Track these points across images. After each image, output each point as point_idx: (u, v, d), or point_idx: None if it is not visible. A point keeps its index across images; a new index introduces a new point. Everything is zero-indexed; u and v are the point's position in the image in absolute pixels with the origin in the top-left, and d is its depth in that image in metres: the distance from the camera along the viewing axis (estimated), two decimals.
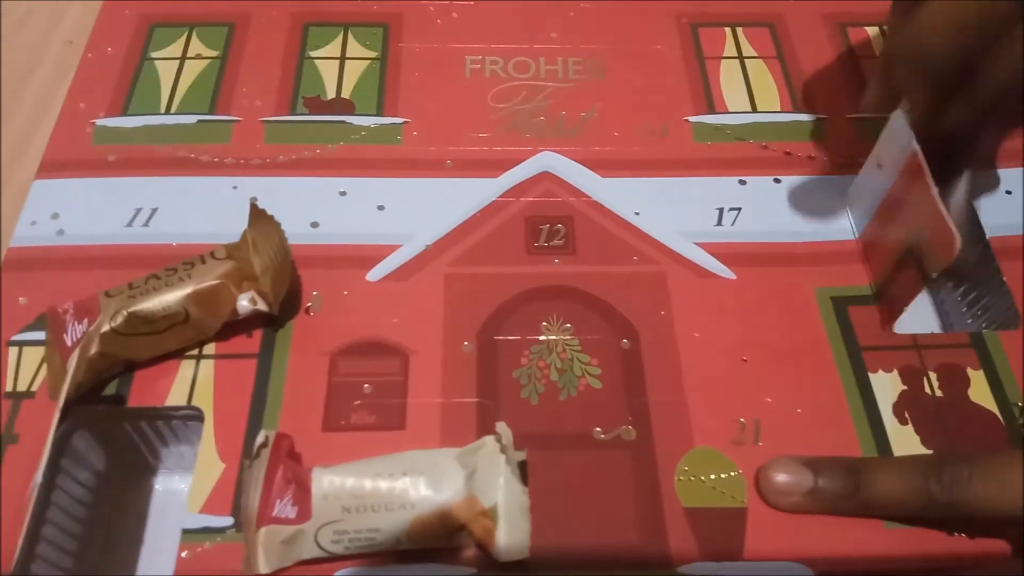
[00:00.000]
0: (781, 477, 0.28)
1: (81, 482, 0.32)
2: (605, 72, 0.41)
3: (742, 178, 0.37)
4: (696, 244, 0.35)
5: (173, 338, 0.31)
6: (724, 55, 0.42)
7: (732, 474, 0.29)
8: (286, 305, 0.32)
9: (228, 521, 0.28)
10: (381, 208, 0.36)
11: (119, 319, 0.29)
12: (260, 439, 0.27)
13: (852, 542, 0.28)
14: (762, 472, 0.29)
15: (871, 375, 0.32)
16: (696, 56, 0.42)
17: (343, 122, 0.39)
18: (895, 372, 0.32)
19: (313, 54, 0.42)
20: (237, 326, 0.32)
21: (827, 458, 0.29)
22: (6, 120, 0.40)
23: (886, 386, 0.32)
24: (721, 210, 0.36)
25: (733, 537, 0.28)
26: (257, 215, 0.32)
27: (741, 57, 0.42)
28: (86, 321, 0.30)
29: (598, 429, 0.30)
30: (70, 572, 0.30)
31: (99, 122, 0.39)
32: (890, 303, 0.32)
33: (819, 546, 0.28)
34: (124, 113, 0.39)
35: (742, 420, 0.30)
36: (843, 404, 0.31)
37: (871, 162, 0.34)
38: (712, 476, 0.29)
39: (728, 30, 0.43)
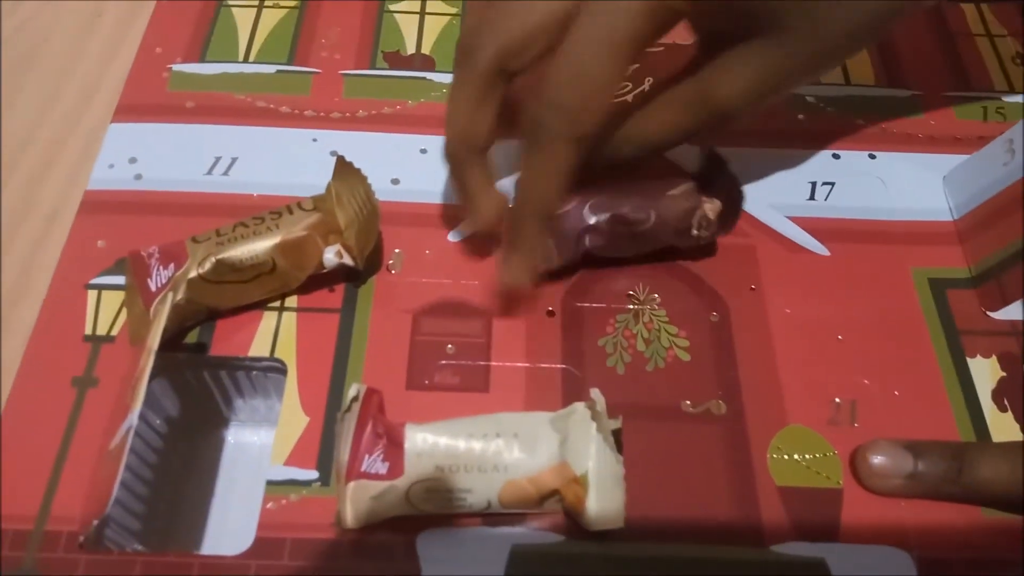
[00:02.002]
0: (880, 459, 0.27)
1: (154, 428, 0.32)
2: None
3: (836, 152, 0.36)
4: (788, 218, 0.34)
5: (258, 288, 0.30)
6: None
7: (828, 454, 0.28)
8: (368, 261, 0.32)
9: (313, 475, 0.27)
10: None
11: (207, 265, 0.29)
12: (352, 392, 0.26)
13: (950, 528, 0.27)
14: (860, 454, 0.28)
15: (969, 360, 0.31)
16: None
17: (424, 78, 0.38)
18: (993, 358, 0.31)
19: (392, 8, 0.41)
20: (319, 280, 0.31)
21: (928, 441, 0.28)
22: (75, 65, 0.39)
23: (984, 372, 0.31)
24: (814, 184, 0.35)
25: (828, 518, 0.27)
26: (342, 168, 0.31)
27: None
28: (172, 266, 0.30)
29: (687, 402, 0.30)
30: (141, 517, 0.30)
31: (176, 67, 0.38)
32: (1000, 288, 0.31)
33: (917, 531, 0.27)
34: (202, 60, 0.38)
35: (837, 400, 0.30)
36: (941, 388, 0.30)
37: (998, 145, 0.32)
38: (807, 456, 0.28)
39: None
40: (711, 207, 0.31)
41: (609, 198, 0.31)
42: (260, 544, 0.26)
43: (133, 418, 0.25)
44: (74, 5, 0.42)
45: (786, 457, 0.28)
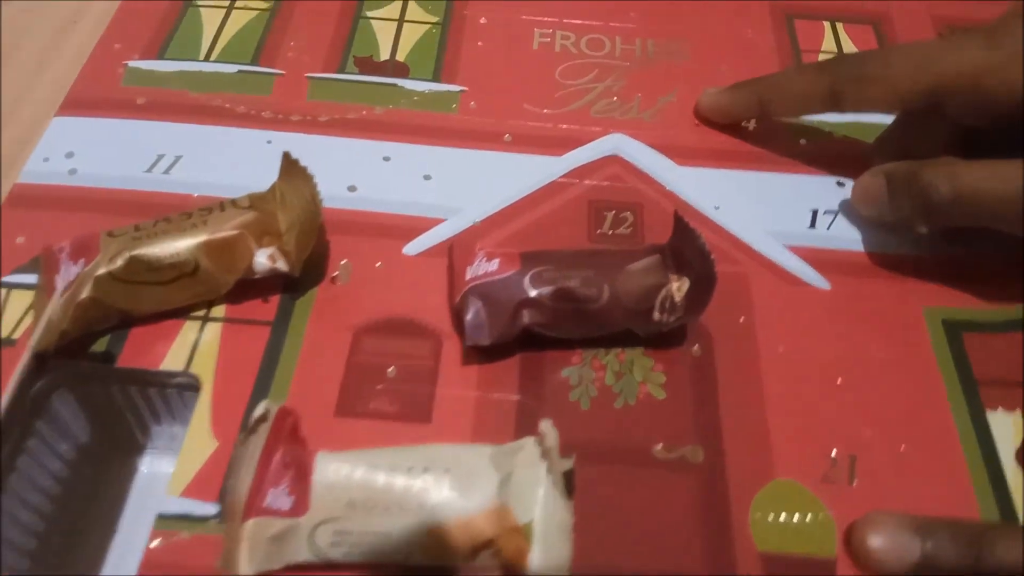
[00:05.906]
0: (881, 543, 0.23)
1: (60, 454, 0.28)
2: (690, 56, 0.37)
3: (840, 179, 0.33)
4: (786, 247, 0.30)
5: (179, 292, 0.27)
6: (822, 49, 0.38)
7: (820, 516, 0.24)
8: (310, 271, 0.28)
9: (213, 509, 0.24)
10: (427, 178, 0.32)
11: (119, 262, 0.26)
12: (259, 411, 0.22)
13: None
14: (857, 532, 0.23)
15: (988, 413, 0.27)
16: (792, 48, 0.38)
17: (395, 85, 0.35)
18: (1018, 412, 0.27)
19: (370, 14, 0.38)
20: (252, 288, 0.28)
21: (939, 519, 0.23)
22: (45, 69, 0.37)
23: (1007, 428, 0.26)
24: (815, 212, 0.32)
25: None
26: (289, 167, 0.28)
27: (841, 53, 0.38)
28: (82, 262, 0.26)
29: (659, 446, 0.25)
30: (32, 553, 0.26)
31: (132, 63, 0.35)
32: None
33: None
34: (160, 57, 0.36)
35: (834, 453, 0.25)
36: (955, 445, 0.26)
37: None
38: (796, 517, 0.24)
39: (827, 24, 0.39)
40: (679, 286, 0.26)
41: (556, 268, 0.26)
42: None
43: None
44: (49, 7, 0.40)
45: (771, 517, 0.24)
